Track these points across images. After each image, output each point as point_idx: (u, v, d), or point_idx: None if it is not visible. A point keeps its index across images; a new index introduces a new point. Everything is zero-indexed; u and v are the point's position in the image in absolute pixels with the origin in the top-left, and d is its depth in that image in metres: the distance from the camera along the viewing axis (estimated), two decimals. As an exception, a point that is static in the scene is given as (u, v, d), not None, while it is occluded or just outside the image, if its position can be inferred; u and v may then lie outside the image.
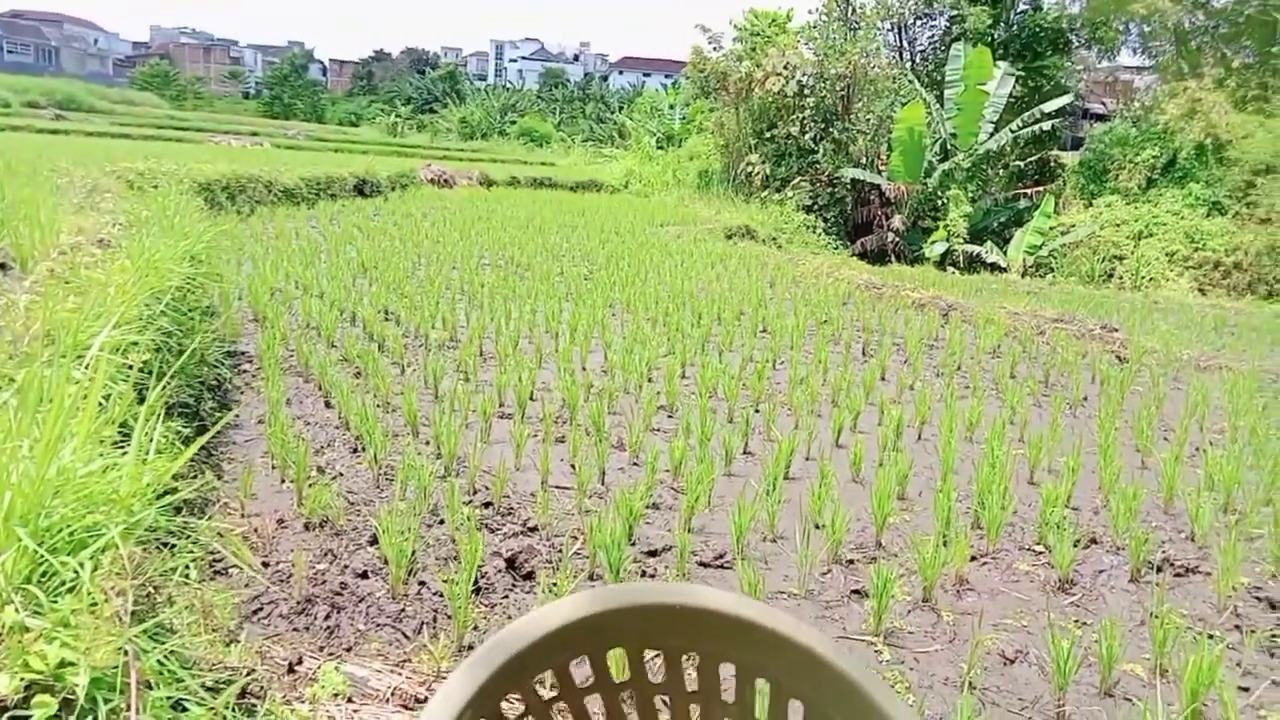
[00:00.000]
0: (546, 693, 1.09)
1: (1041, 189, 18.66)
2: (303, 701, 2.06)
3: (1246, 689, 2.71)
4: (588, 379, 5.48)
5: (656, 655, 1.15)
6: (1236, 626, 3.09)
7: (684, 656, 1.13)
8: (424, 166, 19.90)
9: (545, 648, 0.98)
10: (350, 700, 2.14)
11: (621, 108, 40.77)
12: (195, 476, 3.04)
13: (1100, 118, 23.70)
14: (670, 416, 5.06)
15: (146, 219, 5.94)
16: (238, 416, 4.46)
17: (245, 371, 5.25)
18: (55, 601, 1.46)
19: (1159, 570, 3.47)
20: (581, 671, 1.11)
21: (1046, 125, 18.13)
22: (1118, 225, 17.39)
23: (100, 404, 2.13)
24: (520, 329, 6.62)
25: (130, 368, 2.72)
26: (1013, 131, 18.06)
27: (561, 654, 1.05)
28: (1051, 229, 17.49)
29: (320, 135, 34.11)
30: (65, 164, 9.52)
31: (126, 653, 1.38)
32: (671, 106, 29.87)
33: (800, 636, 1.05)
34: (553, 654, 1.03)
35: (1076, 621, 3.06)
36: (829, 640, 1.07)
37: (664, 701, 1.21)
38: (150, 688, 1.44)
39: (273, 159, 17.13)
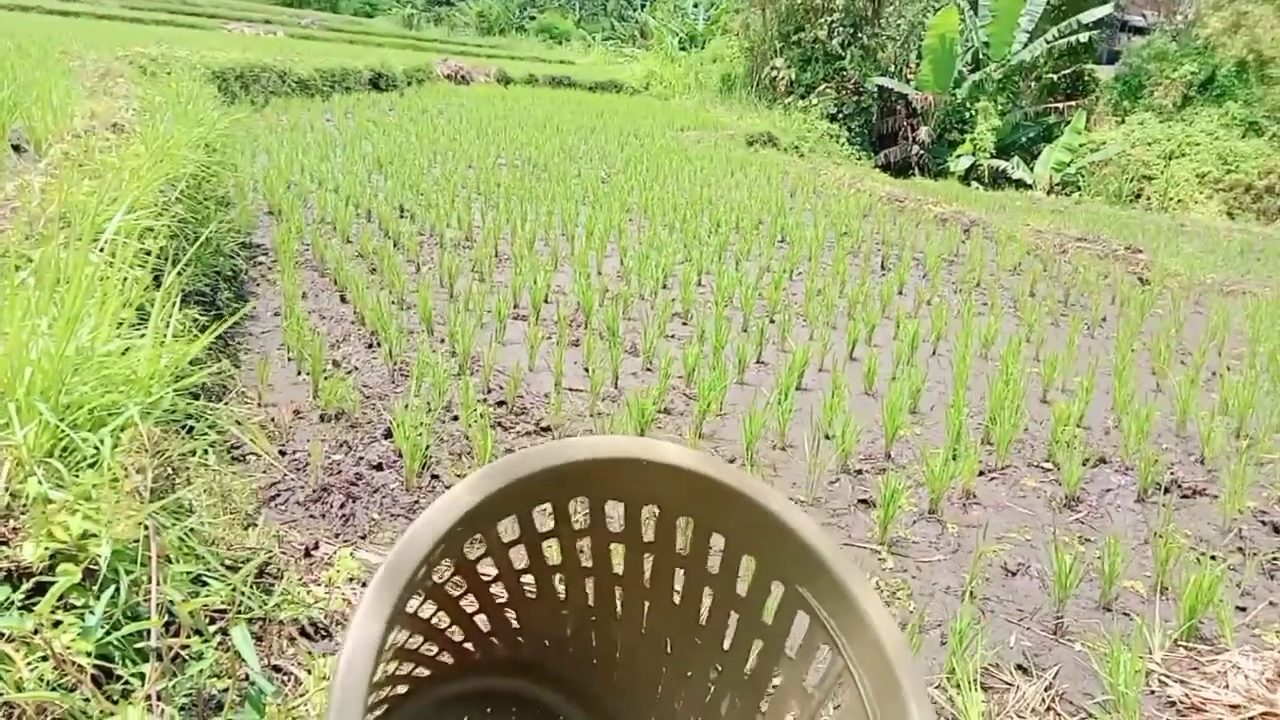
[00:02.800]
0: (508, 535, 1.11)
1: (1073, 104, 18.09)
2: (319, 584, 2.11)
3: (1244, 609, 2.75)
4: (603, 283, 5.45)
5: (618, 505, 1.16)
6: (1239, 549, 3.12)
7: (644, 509, 1.14)
8: (440, 61, 19.43)
9: (508, 496, 0.99)
10: (364, 584, 2.20)
11: (644, 6, 39.45)
12: (213, 364, 3.06)
13: (1140, 30, 22.78)
14: (685, 324, 5.05)
15: (160, 105, 5.85)
16: (254, 308, 4.47)
17: (261, 264, 5.24)
18: (77, 475, 1.48)
19: (1166, 491, 3.49)
20: (542, 518, 1.12)
21: (1083, 36, 17.43)
22: (1149, 144, 16.91)
23: (118, 287, 2.13)
24: (536, 231, 6.56)
25: (147, 253, 2.71)
26: (1048, 42, 17.40)
27: (525, 502, 1.06)
28: (1081, 146, 17.03)
29: (335, 25, 33.22)
30: (77, 47, 9.33)
31: (147, 527, 1.41)
32: (696, 5, 28.86)
33: (759, 497, 1.06)
34: (515, 501, 1.04)
35: (1080, 538, 3.10)
36: (784, 500, 1.07)
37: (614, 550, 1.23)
38: (170, 561, 1.47)
39: (286, 49, 16.75)
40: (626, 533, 1.17)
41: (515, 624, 1.27)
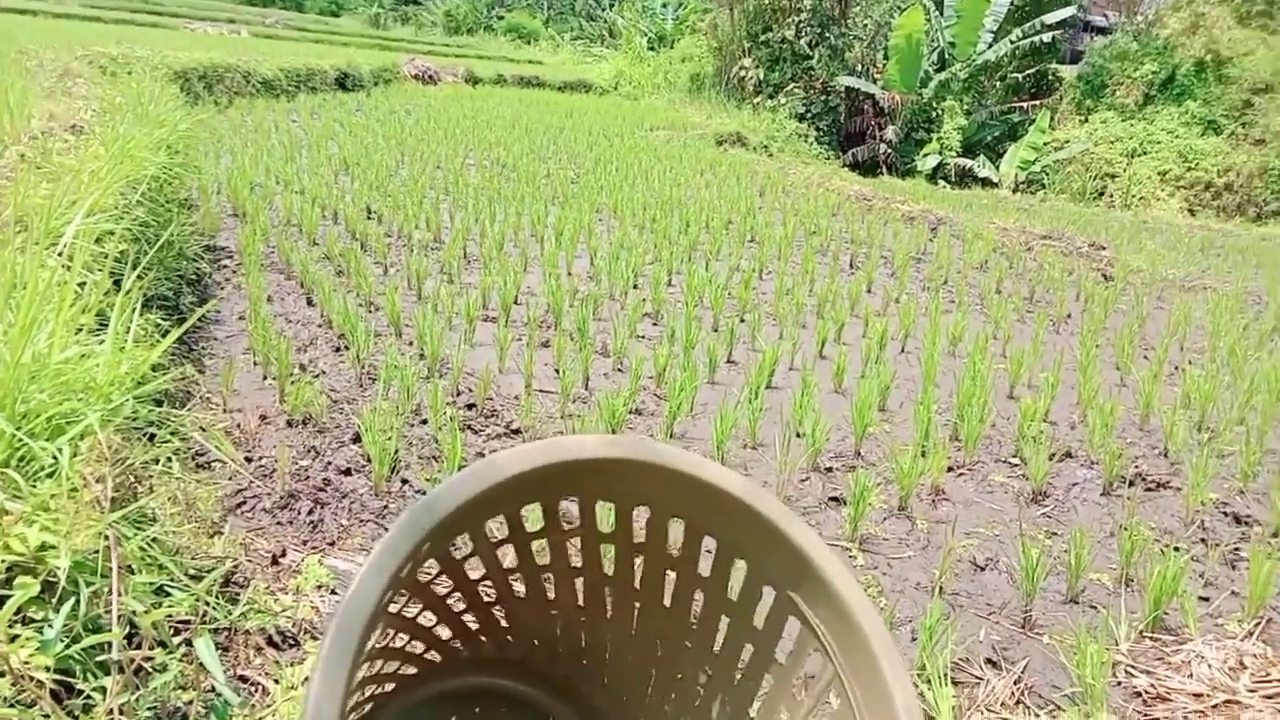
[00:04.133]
0: (496, 535, 1.09)
1: (1038, 103, 18.33)
2: (287, 592, 2.09)
3: (1207, 599, 2.80)
4: (573, 284, 5.44)
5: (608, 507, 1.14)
6: (1202, 540, 3.18)
7: (634, 510, 1.12)
8: (408, 61, 19.28)
9: (500, 493, 0.97)
10: (334, 592, 2.17)
11: (612, 5, 39.36)
12: (176, 369, 3.01)
13: (1102, 30, 23.12)
14: (655, 324, 5.05)
15: (120, 106, 5.75)
16: (218, 312, 4.41)
17: (225, 267, 5.17)
18: (34, 486, 1.45)
19: (1131, 484, 3.54)
20: (532, 518, 1.10)
21: (1047, 37, 17.67)
22: (1112, 142, 17.18)
23: (76, 292, 2.09)
24: (505, 232, 6.53)
25: (106, 257, 2.66)
26: (1012, 42, 17.62)
27: (516, 499, 1.05)
28: (1045, 144, 17.27)
29: (300, 25, 32.85)
30: (34, 46, 9.15)
31: (107, 538, 1.38)
32: (664, 5, 28.87)
33: (753, 500, 1.05)
34: (508, 498, 1.02)
35: (1047, 532, 3.13)
36: (778, 504, 1.06)
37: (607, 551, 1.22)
38: (132, 572, 1.45)
39: (251, 48, 16.53)
40: (617, 534, 1.16)
41: (504, 623, 1.25)
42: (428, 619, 1.17)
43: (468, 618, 1.22)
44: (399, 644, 1.16)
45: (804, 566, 1.03)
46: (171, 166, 4.91)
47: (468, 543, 1.08)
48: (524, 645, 1.29)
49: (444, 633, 1.21)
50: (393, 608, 1.05)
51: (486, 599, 1.21)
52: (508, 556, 1.16)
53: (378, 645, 1.08)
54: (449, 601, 1.17)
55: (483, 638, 1.25)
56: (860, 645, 0.97)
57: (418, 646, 1.19)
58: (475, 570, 1.15)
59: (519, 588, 1.22)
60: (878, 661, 0.95)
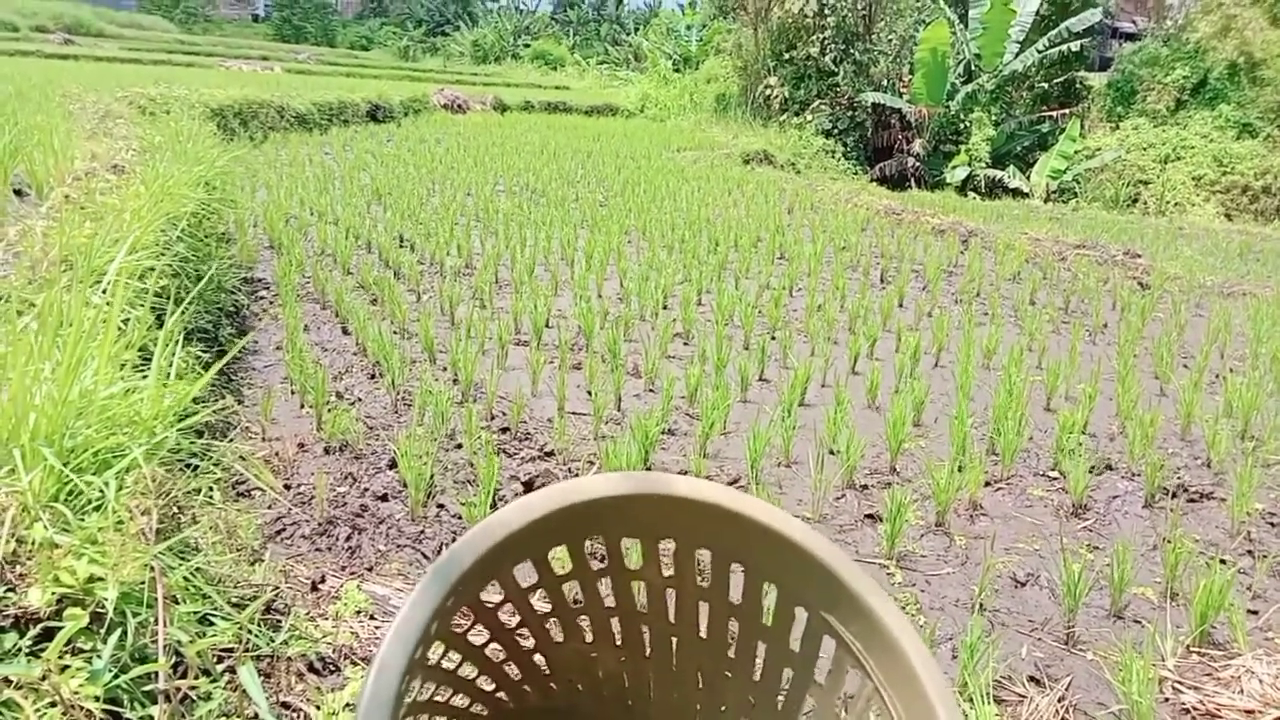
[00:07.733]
0: (525, 580, 1.10)
1: (1067, 112, 18.15)
2: (326, 618, 2.11)
3: (1255, 612, 2.74)
4: (604, 306, 5.47)
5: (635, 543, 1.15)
6: (1249, 551, 3.11)
7: (660, 544, 1.13)
8: (437, 91, 19.58)
9: (523, 538, 0.98)
10: (373, 618, 2.20)
11: (637, 29, 39.65)
12: (216, 400, 3.07)
13: (1130, 37, 22.89)
14: (686, 344, 5.06)
15: (160, 145, 5.91)
16: (256, 342, 4.49)
17: (262, 298, 5.27)
18: (82, 519, 1.49)
19: (1173, 496, 3.48)
20: (560, 559, 1.11)
21: (1074, 45, 17.52)
22: (1144, 149, 16.95)
23: (119, 328, 2.15)
24: (536, 256, 6.60)
25: (148, 292, 2.73)
26: (1039, 51, 17.49)
27: (540, 543, 1.05)
28: (1076, 153, 17.08)
29: (331, 59, 33.50)
30: (76, 89, 9.43)
31: (153, 569, 1.41)
32: (689, 27, 29.06)
33: (775, 523, 1.05)
34: (531, 543, 1.03)
35: (1089, 546, 3.09)
36: (800, 524, 1.07)
37: (641, 587, 1.22)
38: (177, 602, 1.48)
39: (284, 84, 16.88)
40: (645, 569, 1.16)
41: (546, 670, 1.26)
42: (468, 671, 1.17)
43: (509, 668, 1.22)
44: (442, 698, 1.17)
45: (832, 584, 1.03)
46: (209, 202, 5.03)
47: (500, 591, 1.09)
48: (568, 692, 1.28)
49: (487, 685, 1.21)
50: (430, 659, 1.05)
51: (526, 647, 1.22)
52: (541, 602, 1.16)
53: (420, 699, 1.08)
54: (487, 652, 1.18)
55: (526, 687, 1.25)
56: (896, 658, 0.97)
57: (463, 700, 1.19)
58: (512, 618, 1.15)
59: (556, 634, 1.22)
60: (915, 671, 0.94)
